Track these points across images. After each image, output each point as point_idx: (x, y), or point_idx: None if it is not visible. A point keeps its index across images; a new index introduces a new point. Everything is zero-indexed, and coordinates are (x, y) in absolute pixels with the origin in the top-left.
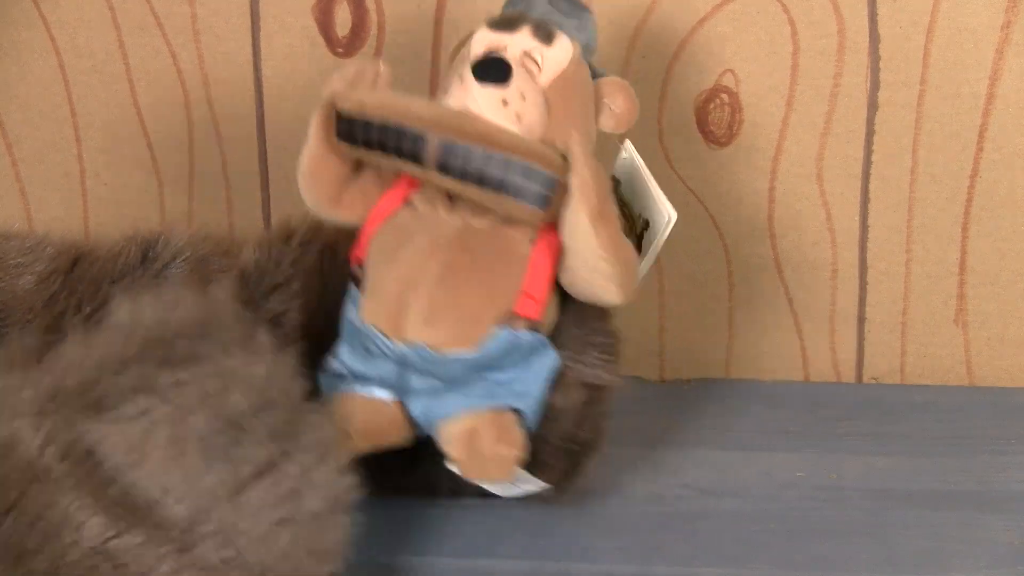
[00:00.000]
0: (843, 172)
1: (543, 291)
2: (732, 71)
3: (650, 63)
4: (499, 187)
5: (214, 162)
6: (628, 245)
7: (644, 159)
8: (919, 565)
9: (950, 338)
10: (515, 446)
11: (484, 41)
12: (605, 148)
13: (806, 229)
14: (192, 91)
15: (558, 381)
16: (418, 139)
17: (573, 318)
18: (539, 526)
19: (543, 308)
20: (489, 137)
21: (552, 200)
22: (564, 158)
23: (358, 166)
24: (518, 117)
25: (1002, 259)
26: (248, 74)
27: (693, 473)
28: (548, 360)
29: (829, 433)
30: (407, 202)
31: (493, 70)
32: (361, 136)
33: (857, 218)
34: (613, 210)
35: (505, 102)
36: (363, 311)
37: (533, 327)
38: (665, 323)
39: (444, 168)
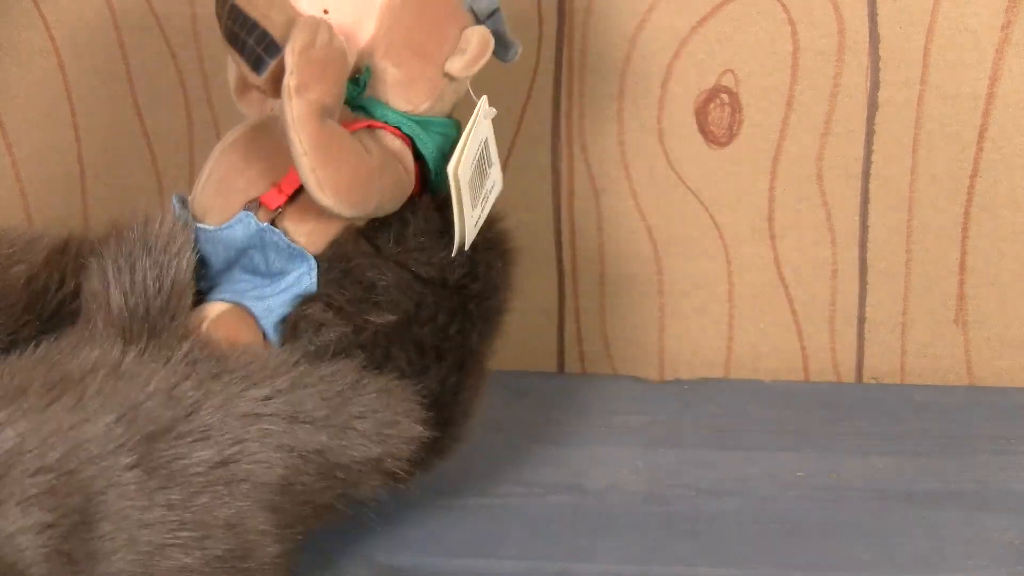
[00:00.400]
0: (843, 172)
1: (292, 189)
2: (732, 71)
3: (650, 63)
4: (239, 48)
5: None
6: (352, 149)
7: (644, 159)
8: (919, 565)
9: (950, 338)
10: (227, 335)
11: None
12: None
13: (806, 229)
14: (192, 91)
15: (307, 300)
16: (224, 4)
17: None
18: (539, 526)
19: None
20: (250, 2)
21: (270, 67)
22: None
23: None
24: (324, 12)
25: (1002, 259)
26: None
27: (693, 473)
28: (300, 275)
29: (829, 433)
30: None
31: None
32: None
33: (857, 218)
34: (327, 100)
35: None
36: None
37: (272, 220)
38: (665, 323)
39: (227, 35)
